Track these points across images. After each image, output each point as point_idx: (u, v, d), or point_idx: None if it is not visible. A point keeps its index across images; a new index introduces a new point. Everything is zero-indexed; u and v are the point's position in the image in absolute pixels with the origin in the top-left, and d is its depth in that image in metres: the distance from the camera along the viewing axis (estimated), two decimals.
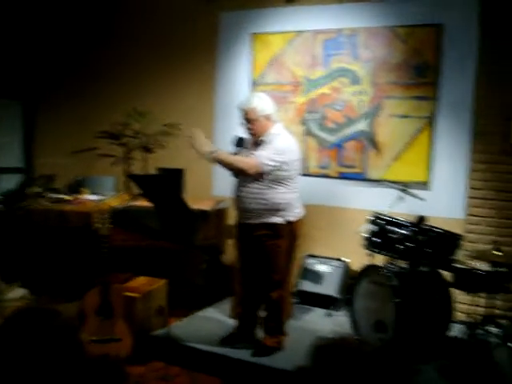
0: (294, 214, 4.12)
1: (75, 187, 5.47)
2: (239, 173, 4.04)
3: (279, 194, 4.03)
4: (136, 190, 4.86)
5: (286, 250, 4.14)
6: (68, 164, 6.44)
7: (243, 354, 4.12)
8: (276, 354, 4.10)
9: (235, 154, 4.08)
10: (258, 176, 3.97)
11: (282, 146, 4.03)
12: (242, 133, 4.22)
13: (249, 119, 4.05)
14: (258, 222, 4.05)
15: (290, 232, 4.12)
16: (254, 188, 4.03)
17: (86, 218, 4.73)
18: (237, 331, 4.40)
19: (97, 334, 3.89)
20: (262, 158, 3.95)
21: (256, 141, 4.10)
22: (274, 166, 3.96)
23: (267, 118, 4.04)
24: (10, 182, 4.93)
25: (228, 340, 4.34)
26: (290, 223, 4.09)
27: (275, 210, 4.03)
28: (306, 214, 5.24)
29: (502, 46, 4.75)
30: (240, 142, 4.12)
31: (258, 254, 4.12)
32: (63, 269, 5.09)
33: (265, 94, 4.22)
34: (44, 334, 1.34)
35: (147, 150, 5.80)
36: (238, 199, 4.14)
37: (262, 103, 4.06)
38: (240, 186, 4.13)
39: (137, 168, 5.80)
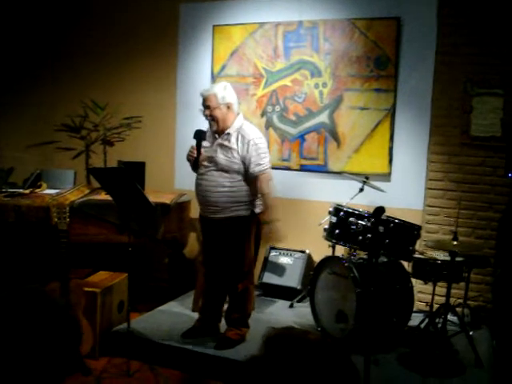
0: (260, 205, 4.11)
1: (33, 181, 5.36)
2: (272, 196, 4.04)
3: (246, 187, 4.02)
4: (96, 183, 4.79)
5: (252, 242, 4.16)
6: (26, 157, 6.32)
7: (205, 348, 4.11)
8: (238, 347, 4.11)
9: (198, 147, 4.02)
10: (271, 179, 4.03)
11: (255, 135, 4.01)
12: (202, 125, 4.19)
13: (209, 106, 3.99)
14: (226, 216, 4.02)
15: (256, 223, 4.14)
16: (220, 181, 3.99)
17: (44, 213, 4.64)
18: (199, 325, 4.38)
19: None
20: (257, 169, 3.95)
21: (217, 132, 4.04)
22: (266, 158, 4.02)
23: (228, 106, 4.00)
24: None
25: (189, 334, 4.32)
26: (255, 214, 4.10)
27: (243, 202, 4.01)
28: None
29: (459, 38, 4.82)
30: (199, 135, 4.06)
31: (226, 246, 4.10)
32: (22, 265, 4.99)
33: (229, 84, 4.16)
34: (38, 312, 1.33)
35: (107, 143, 5.73)
36: (202, 193, 4.08)
37: (224, 91, 4.01)
38: (203, 179, 4.07)
39: (97, 161, 5.72)
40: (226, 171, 3.97)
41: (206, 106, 4.01)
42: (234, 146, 3.97)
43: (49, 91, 6.44)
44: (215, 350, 4.09)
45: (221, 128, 4.02)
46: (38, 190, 5.21)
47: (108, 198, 4.54)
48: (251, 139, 3.96)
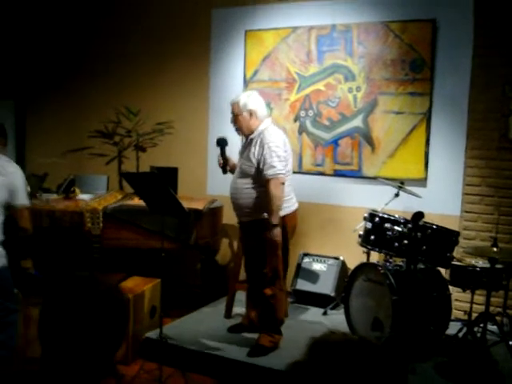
0: (285, 208, 4.09)
1: (67, 187, 5.40)
2: (282, 200, 3.99)
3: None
4: (129, 188, 4.80)
5: (280, 246, 4.09)
6: (60, 163, 6.39)
7: (238, 354, 4.07)
8: (272, 354, 4.05)
9: (222, 154, 4.19)
10: (282, 183, 3.97)
11: (272, 139, 4.00)
12: (229, 132, 4.30)
13: (234, 114, 4.11)
14: (251, 219, 4.05)
15: (283, 227, 4.07)
16: (246, 185, 4.04)
17: (78, 218, 4.66)
18: (246, 322, 4.50)
19: None
20: (269, 172, 3.92)
21: (246, 139, 4.14)
22: (281, 162, 3.96)
23: (251, 113, 4.04)
24: None
25: (235, 329, 4.45)
26: (282, 218, 4.04)
27: (266, 206, 3.98)
28: (301, 212, 5.20)
29: (496, 41, 4.71)
30: (220, 143, 4.20)
31: (253, 250, 4.12)
32: (55, 269, 5.02)
33: (255, 92, 4.24)
34: (94, 298, 1.46)
35: (140, 148, 5.75)
36: (232, 197, 4.15)
37: (247, 99, 4.09)
38: (233, 184, 4.15)
39: (129, 167, 5.75)
40: (248, 176, 4.02)
41: (232, 113, 4.13)
42: (253, 150, 4.00)
43: (82, 98, 6.50)
44: (248, 357, 4.05)
45: (246, 134, 4.12)
46: (71, 196, 5.24)
47: (141, 203, 4.54)
48: (267, 142, 3.96)
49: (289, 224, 4.17)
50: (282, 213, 4.05)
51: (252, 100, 4.09)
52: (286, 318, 4.70)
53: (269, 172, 3.92)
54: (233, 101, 4.14)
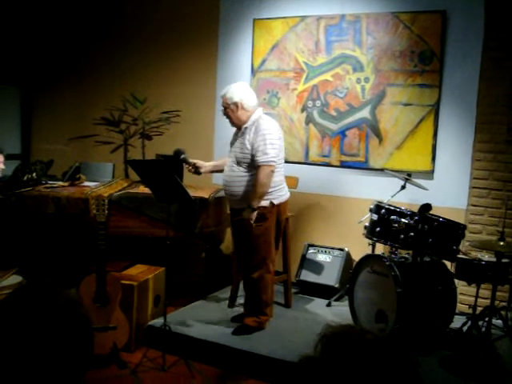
0: (279, 196, 4.20)
1: (72, 174, 5.39)
2: (267, 188, 4.06)
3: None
4: (135, 176, 4.79)
5: (272, 233, 4.22)
6: (66, 150, 6.38)
7: (241, 344, 4.06)
8: (276, 344, 4.05)
9: (186, 162, 4.36)
10: (272, 172, 4.05)
11: (266, 127, 4.09)
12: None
13: (223, 106, 4.21)
14: (244, 206, 4.10)
15: (276, 214, 4.21)
16: (241, 173, 4.12)
17: (83, 205, 4.66)
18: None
19: (93, 322, 3.82)
20: (262, 158, 4.01)
21: (239, 130, 4.23)
22: (274, 150, 4.05)
23: (237, 105, 4.13)
24: (7, 168, 4.85)
25: (237, 319, 4.46)
26: (274, 206, 4.17)
27: None
28: (306, 203, 5.19)
29: (507, 34, 4.66)
30: (177, 154, 4.32)
31: (244, 236, 4.19)
32: (59, 256, 5.03)
33: (243, 83, 4.36)
34: (49, 309, 1.24)
35: (146, 136, 5.73)
36: (226, 185, 4.24)
37: (233, 91, 4.17)
38: (228, 171, 4.22)
39: (135, 155, 5.73)
40: (242, 163, 4.11)
41: (222, 105, 4.24)
42: (248, 138, 4.09)
43: (89, 85, 6.48)
44: (232, 334, 4.20)
45: (237, 125, 4.22)
46: (77, 183, 5.24)
47: (146, 191, 4.53)
48: (262, 129, 4.06)
49: (282, 212, 4.31)
50: (277, 201, 4.18)
51: (238, 92, 4.16)
52: (289, 309, 4.76)
53: (261, 158, 4.02)
54: (222, 92, 4.23)
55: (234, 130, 4.37)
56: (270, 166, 4.02)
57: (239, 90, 4.18)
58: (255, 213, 4.03)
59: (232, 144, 4.30)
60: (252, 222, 4.03)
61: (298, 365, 1.07)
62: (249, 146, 4.06)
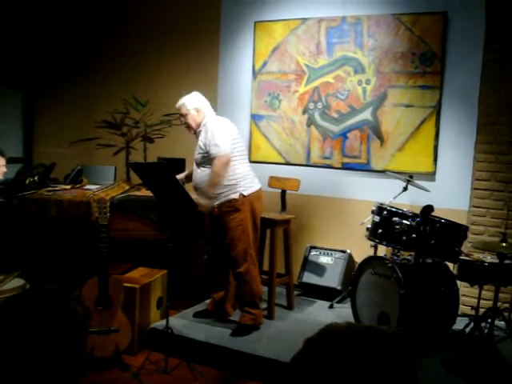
0: (249, 187, 4.30)
1: (75, 177, 5.39)
2: (225, 173, 4.18)
3: (229, 171, 4.20)
4: (137, 179, 4.80)
5: (249, 224, 4.29)
6: (68, 153, 6.39)
7: (243, 346, 4.06)
8: (278, 347, 4.05)
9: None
10: (226, 163, 4.16)
11: (214, 123, 4.28)
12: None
13: (182, 114, 4.37)
14: (218, 203, 4.24)
15: (249, 206, 4.29)
16: (204, 172, 4.23)
17: (85, 208, 4.66)
18: (210, 308, 4.64)
19: (95, 325, 3.82)
20: (214, 150, 4.14)
21: (196, 135, 4.39)
22: (225, 141, 4.18)
23: (197, 110, 4.33)
24: (10, 171, 4.85)
25: (201, 314, 4.62)
26: (245, 197, 4.26)
27: (228, 185, 4.21)
28: (308, 205, 5.19)
29: (508, 34, 4.65)
30: (135, 168, 4.38)
31: (222, 232, 4.28)
32: (62, 259, 5.03)
33: (196, 92, 4.49)
34: (41, 315, 1.23)
35: (148, 139, 5.74)
36: (194, 187, 4.34)
37: (192, 98, 4.39)
38: (194, 175, 4.34)
39: (137, 158, 5.74)
40: (201, 164, 4.26)
41: (180, 115, 4.41)
42: (201, 138, 4.27)
43: (91, 88, 6.48)
44: (231, 336, 4.24)
45: (195, 130, 4.38)
46: (79, 186, 5.24)
47: (148, 194, 4.53)
48: (210, 127, 4.24)
49: (256, 206, 4.35)
50: (247, 192, 4.28)
51: (196, 99, 4.39)
52: (292, 311, 4.79)
53: (213, 150, 4.14)
54: (178, 104, 4.39)
55: None
56: (223, 157, 4.13)
57: (197, 96, 4.42)
58: (209, 201, 4.17)
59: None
60: (205, 210, 4.21)
61: (292, 365, 1.08)
62: (202, 146, 4.22)
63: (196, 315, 4.62)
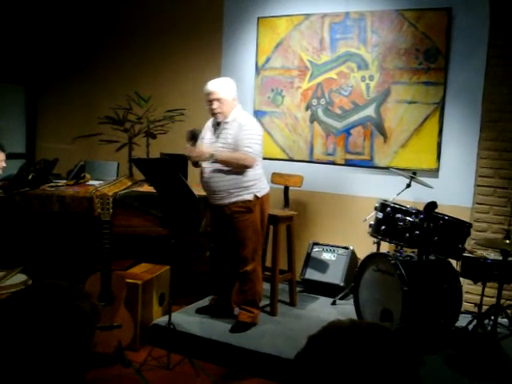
0: (262, 189, 4.28)
1: (77, 173, 5.39)
2: (240, 168, 4.14)
3: (249, 171, 4.16)
4: (139, 175, 4.79)
5: (259, 225, 4.29)
6: (70, 149, 6.39)
7: (245, 342, 4.06)
8: (280, 343, 4.04)
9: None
10: (251, 165, 4.13)
11: (249, 122, 4.21)
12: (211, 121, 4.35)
13: (215, 99, 4.17)
14: (230, 202, 4.18)
15: (260, 207, 4.27)
16: (224, 168, 4.13)
17: (88, 204, 4.65)
18: (213, 304, 4.63)
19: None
20: (248, 148, 4.08)
21: (218, 122, 4.23)
22: (257, 145, 4.15)
23: (234, 99, 4.22)
24: (12, 167, 4.85)
25: (203, 310, 4.59)
26: (258, 198, 4.24)
27: (245, 187, 4.16)
28: (311, 201, 5.19)
29: None
30: (193, 136, 4.29)
31: (232, 231, 4.24)
32: (64, 255, 5.03)
33: (230, 79, 4.37)
34: (45, 309, 1.23)
35: (151, 135, 5.73)
36: (208, 181, 4.23)
37: (228, 84, 4.24)
38: (209, 169, 4.21)
39: (140, 154, 5.73)
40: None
41: (213, 99, 4.18)
42: (231, 133, 4.15)
43: (93, 84, 6.48)
44: (230, 332, 4.22)
45: (221, 117, 4.20)
46: (81, 182, 5.23)
47: (151, 190, 4.53)
48: (246, 125, 4.15)
49: (265, 207, 4.35)
50: (260, 194, 4.26)
51: (233, 86, 4.26)
52: (294, 307, 4.80)
53: (245, 150, 4.09)
54: (214, 87, 4.20)
55: None
56: (252, 159, 4.11)
57: (233, 84, 4.27)
58: (205, 155, 4.08)
59: (211, 139, 4.29)
60: (191, 155, 4.14)
61: (294, 361, 1.08)
62: (231, 141, 4.12)
63: (199, 311, 4.60)
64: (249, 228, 4.22)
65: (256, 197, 4.22)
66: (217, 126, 4.27)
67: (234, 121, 4.18)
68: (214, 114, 4.22)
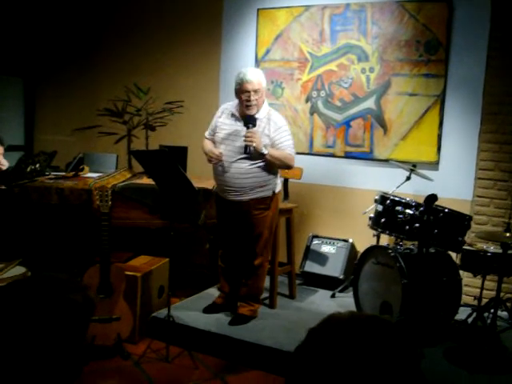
0: (278, 184, 4.28)
1: (76, 165, 5.37)
2: (282, 167, 4.20)
3: (272, 169, 4.15)
4: (138, 167, 4.77)
5: (273, 220, 4.31)
6: (69, 141, 6.37)
7: (245, 335, 4.06)
8: (280, 335, 4.04)
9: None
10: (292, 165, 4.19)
11: (284, 121, 4.20)
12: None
13: (254, 90, 4.00)
14: (251, 198, 4.12)
15: (275, 203, 4.29)
16: (248, 165, 4.06)
17: (87, 196, 4.64)
18: (220, 302, 4.53)
19: (96, 313, 3.81)
20: (291, 149, 4.13)
21: (246, 115, 4.04)
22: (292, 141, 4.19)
23: (267, 90, 4.27)
24: (11, 159, 4.84)
25: (210, 309, 4.48)
26: (275, 194, 4.25)
27: (266, 184, 4.14)
28: (311, 194, 5.18)
29: None
30: (252, 121, 4.03)
31: (249, 227, 4.20)
32: (63, 247, 5.02)
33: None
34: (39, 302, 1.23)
35: (150, 127, 5.70)
36: (230, 179, 4.11)
37: (263, 76, 4.13)
38: (229, 164, 4.10)
39: (139, 146, 5.70)
40: (255, 158, 4.05)
41: (253, 90, 4.00)
42: (265, 130, 4.07)
43: (92, 75, 6.45)
44: (230, 325, 4.21)
45: (254, 111, 4.05)
46: (80, 174, 5.22)
47: (150, 182, 4.51)
48: (282, 124, 4.13)
49: (279, 200, 4.40)
50: (277, 190, 4.27)
51: (263, 76, 4.13)
52: (294, 300, 4.81)
53: (291, 151, 4.12)
54: (254, 77, 4.01)
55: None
56: (294, 161, 4.15)
57: (263, 74, 4.14)
58: (266, 151, 3.99)
59: (233, 134, 4.14)
60: (253, 139, 3.92)
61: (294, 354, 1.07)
62: (267, 139, 4.04)
63: (206, 311, 4.46)
64: (265, 224, 4.21)
65: (273, 193, 4.21)
66: (240, 117, 4.10)
67: (266, 118, 4.08)
68: (247, 107, 4.01)
